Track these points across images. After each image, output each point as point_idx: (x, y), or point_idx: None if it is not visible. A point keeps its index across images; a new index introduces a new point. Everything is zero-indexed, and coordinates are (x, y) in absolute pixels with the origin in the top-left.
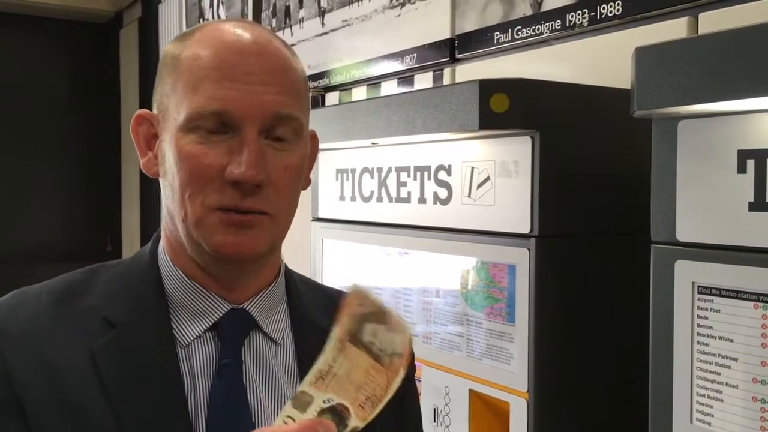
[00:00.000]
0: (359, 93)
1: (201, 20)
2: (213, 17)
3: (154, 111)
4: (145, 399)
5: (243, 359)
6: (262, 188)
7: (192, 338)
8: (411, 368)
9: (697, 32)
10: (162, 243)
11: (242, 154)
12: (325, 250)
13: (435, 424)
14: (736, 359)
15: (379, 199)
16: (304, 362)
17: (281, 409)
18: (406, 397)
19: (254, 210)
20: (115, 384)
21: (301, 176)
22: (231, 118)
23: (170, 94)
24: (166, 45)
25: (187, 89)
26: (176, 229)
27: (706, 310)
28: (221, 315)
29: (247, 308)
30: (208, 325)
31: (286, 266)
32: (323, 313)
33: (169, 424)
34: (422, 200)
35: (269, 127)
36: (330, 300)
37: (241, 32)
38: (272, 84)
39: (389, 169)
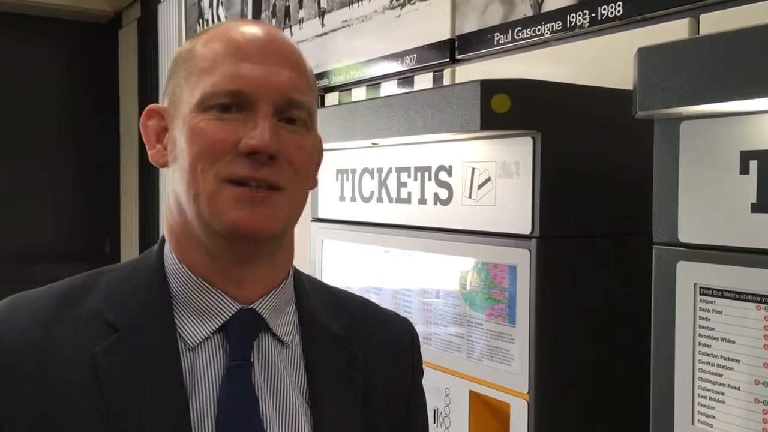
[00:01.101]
0: (359, 94)
1: (200, 20)
2: (212, 17)
3: (165, 104)
4: (145, 404)
5: (251, 361)
6: (277, 160)
7: (199, 340)
8: (419, 373)
9: (698, 34)
10: (168, 242)
11: (257, 127)
12: (325, 251)
13: (435, 425)
14: (738, 361)
15: (380, 200)
16: (312, 365)
17: (287, 412)
18: (413, 403)
19: (269, 181)
20: (114, 389)
21: (312, 161)
22: (246, 95)
23: (184, 84)
24: (178, 47)
25: (202, 73)
26: (184, 216)
27: (708, 311)
28: (230, 315)
29: (258, 309)
30: (216, 326)
31: (295, 267)
32: (331, 316)
33: (168, 430)
34: (423, 201)
35: (282, 109)
36: (338, 302)
37: (253, 26)
38: (286, 67)
39: (389, 170)
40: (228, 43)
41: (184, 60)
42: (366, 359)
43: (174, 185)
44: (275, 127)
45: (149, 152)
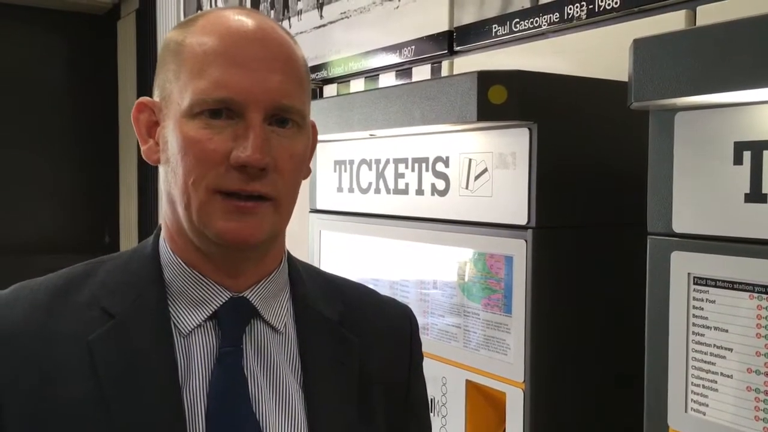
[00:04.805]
0: (357, 85)
1: (199, 12)
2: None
3: (156, 98)
4: (138, 389)
5: (244, 348)
6: (267, 172)
7: (192, 327)
8: (418, 358)
9: (695, 25)
10: (163, 233)
11: (248, 138)
12: (323, 242)
13: (432, 414)
14: (731, 349)
15: (377, 191)
16: (307, 351)
17: (282, 396)
18: (412, 387)
19: (259, 193)
20: (109, 375)
21: (304, 164)
22: (236, 104)
23: (173, 80)
24: (169, 32)
25: (191, 75)
26: (177, 216)
27: (702, 300)
28: (221, 303)
29: (248, 296)
30: (207, 314)
31: (289, 255)
32: (326, 302)
33: (160, 414)
34: (420, 192)
35: (273, 114)
36: (334, 289)
37: (245, 19)
38: (276, 71)
39: (387, 161)
40: (219, 41)
41: (174, 53)
42: (362, 344)
43: (167, 186)
44: (266, 135)
45: (142, 148)
